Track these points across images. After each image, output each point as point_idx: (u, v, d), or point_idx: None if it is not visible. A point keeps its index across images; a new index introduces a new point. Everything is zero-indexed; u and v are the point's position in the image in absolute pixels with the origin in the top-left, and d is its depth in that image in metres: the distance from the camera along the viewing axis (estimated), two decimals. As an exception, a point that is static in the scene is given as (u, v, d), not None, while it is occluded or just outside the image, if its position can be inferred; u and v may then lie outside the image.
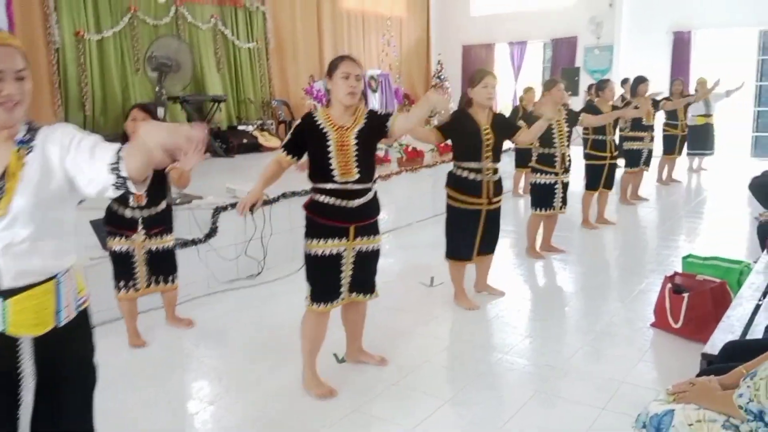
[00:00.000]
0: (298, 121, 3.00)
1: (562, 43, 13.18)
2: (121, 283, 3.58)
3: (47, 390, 1.62)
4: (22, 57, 1.55)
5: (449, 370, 3.35)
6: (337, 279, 2.97)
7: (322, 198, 2.89)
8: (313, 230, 2.92)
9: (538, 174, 5.23)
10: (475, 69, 4.49)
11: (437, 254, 5.58)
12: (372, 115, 2.97)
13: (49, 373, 1.62)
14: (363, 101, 5.18)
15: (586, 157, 6.58)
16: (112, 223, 3.56)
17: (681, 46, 12.01)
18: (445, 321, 4.09)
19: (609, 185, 6.57)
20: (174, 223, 3.80)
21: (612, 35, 12.55)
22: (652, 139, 7.68)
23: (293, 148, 2.94)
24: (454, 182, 4.12)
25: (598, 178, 6.46)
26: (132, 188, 1.49)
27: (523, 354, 3.51)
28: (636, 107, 6.89)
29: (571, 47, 13.09)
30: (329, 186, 2.86)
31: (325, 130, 2.86)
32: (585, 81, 12.36)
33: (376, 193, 3.03)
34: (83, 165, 1.53)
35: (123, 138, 3.38)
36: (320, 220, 2.89)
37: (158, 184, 3.51)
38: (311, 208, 2.94)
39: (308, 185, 2.99)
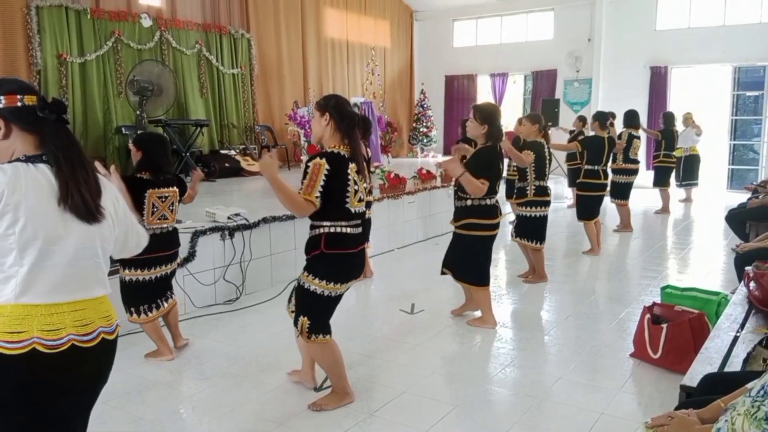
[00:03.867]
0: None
1: (543, 75, 13.42)
2: (144, 306, 3.75)
3: None
4: None
5: (429, 399, 3.30)
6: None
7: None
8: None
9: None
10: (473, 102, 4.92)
11: (419, 281, 5.58)
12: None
13: None
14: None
15: (580, 187, 6.91)
16: None
17: (658, 80, 12.30)
18: (425, 350, 4.04)
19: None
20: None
21: (591, 69, 12.82)
22: (618, 172, 7.94)
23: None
24: (483, 210, 4.33)
25: (595, 208, 6.76)
26: None
27: (503, 384, 3.48)
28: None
29: (551, 79, 13.33)
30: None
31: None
32: (564, 112, 12.58)
33: (312, 233, 3.00)
34: None
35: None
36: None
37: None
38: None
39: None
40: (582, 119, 9.62)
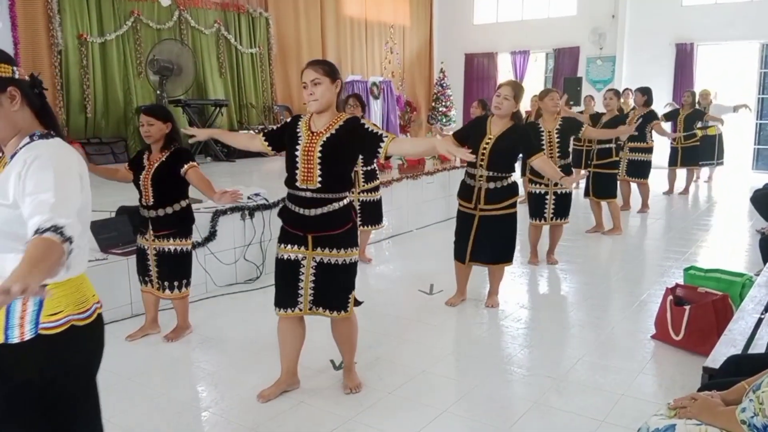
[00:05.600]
0: (288, 119, 3.04)
1: (565, 52, 13.19)
2: (140, 277, 3.77)
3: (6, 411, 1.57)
4: None
5: (447, 379, 3.32)
6: (294, 286, 2.89)
7: (287, 203, 2.90)
8: (280, 234, 2.95)
9: (531, 185, 5.38)
10: (497, 81, 4.75)
11: (438, 262, 5.57)
12: (354, 125, 2.80)
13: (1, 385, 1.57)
14: (359, 107, 5.20)
15: (589, 166, 6.83)
16: (136, 219, 3.79)
17: (684, 58, 12.03)
18: (444, 330, 4.05)
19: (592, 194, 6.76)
20: (191, 228, 3.76)
21: (614, 46, 12.57)
22: (636, 150, 7.70)
23: (271, 136, 3.00)
24: (460, 185, 4.26)
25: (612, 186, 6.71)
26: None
27: (522, 364, 3.47)
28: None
29: (573, 57, 13.10)
30: (292, 191, 2.86)
31: (299, 134, 2.83)
32: (587, 91, 12.38)
33: (344, 206, 2.84)
34: (23, 201, 1.48)
35: (141, 141, 3.60)
36: (283, 225, 2.93)
37: (168, 186, 3.53)
38: (280, 211, 2.97)
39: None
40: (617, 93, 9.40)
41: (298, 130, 2.85)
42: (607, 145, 6.60)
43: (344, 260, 2.88)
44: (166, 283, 3.66)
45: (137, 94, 8.93)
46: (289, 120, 2.98)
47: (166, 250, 3.61)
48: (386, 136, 2.77)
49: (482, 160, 4.01)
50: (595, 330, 3.96)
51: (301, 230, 2.84)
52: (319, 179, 2.75)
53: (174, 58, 8.68)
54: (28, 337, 1.55)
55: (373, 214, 5.29)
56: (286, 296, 2.93)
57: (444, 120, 13.83)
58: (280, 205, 3.02)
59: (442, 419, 2.86)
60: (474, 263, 4.30)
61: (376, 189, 5.27)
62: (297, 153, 2.79)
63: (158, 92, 8.62)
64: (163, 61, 8.52)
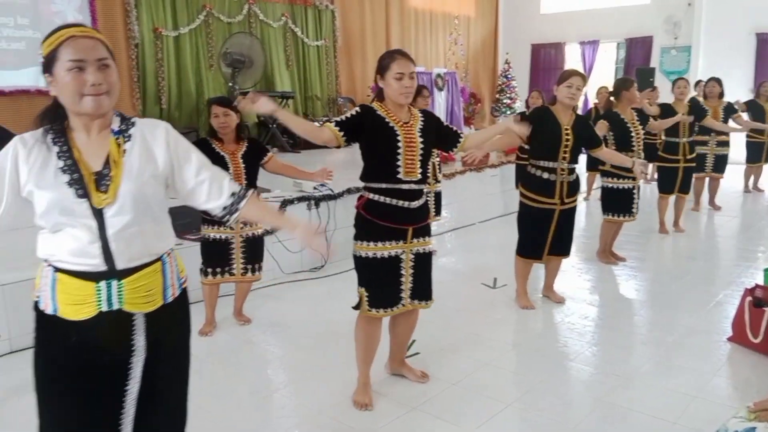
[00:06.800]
0: (356, 108, 2.77)
1: (637, 42, 12.73)
2: (210, 269, 3.70)
3: (155, 363, 1.72)
4: (105, 47, 1.61)
5: (512, 373, 3.29)
6: (397, 283, 2.82)
7: (382, 198, 2.73)
8: (368, 232, 2.76)
9: (614, 179, 5.03)
10: (564, 69, 4.55)
11: (501, 255, 5.52)
12: (434, 118, 2.89)
13: (157, 346, 1.73)
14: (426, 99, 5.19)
15: (659, 159, 6.37)
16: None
17: (765, 48, 11.38)
18: (508, 324, 4.02)
19: (685, 190, 6.32)
20: None
21: (690, 35, 12.02)
22: (722, 144, 7.29)
23: (347, 129, 2.68)
24: (527, 181, 4.04)
25: (670, 182, 6.22)
26: (232, 219, 1.77)
27: (589, 362, 3.41)
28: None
29: (646, 47, 12.62)
30: (392, 186, 2.72)
31: (392, 125, 2.71)
32: (660, 82, 11.91)
33: (424, 198, 2.91)
34: (186, 178, 1.73)
35: (210, 131, 3.63)
36: (380, 222, 2.73)
37: (252, 175, 3.66)
38: (369, 209, 2.75)
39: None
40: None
41: (387, 121, 2.71)
42: (675, 140, 6.28)
43: (431, 248, 2.93)
44: (249, 267, 3.77)
45: (208, 86, 9.21)
46: (358, 110, 2.74)
47: (251, 235, 3.74)
48: (462, 134, 2.96)
49: (565, 152, 3.88)
50: (667, 330, 3.84)
51: (405, 224, 2.76)
52: (420, 170, 2.76)
53: (245, 50, 8.90)
54: (177, 293, 1.78)
55: (436, 205, 5.30)
56: (387, 295, 2.82)
57: (508, 112, 13.61)
58: (359, 202, 2.81)
59: (507, 413, 2.85)
60: (550, 258, 4.20)
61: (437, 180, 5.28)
62: (399, 145, 2.69)
63: (230, 84, 8.86)
64: (235, 54, 8.75)
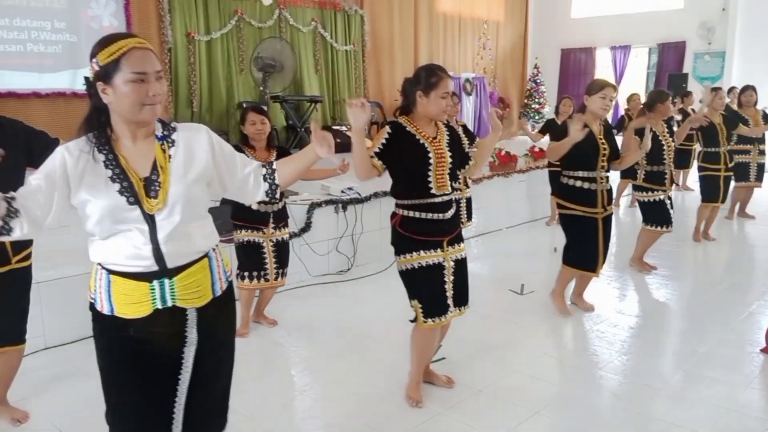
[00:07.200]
0: (387, 130, 2.74)
1: (670, 47, 12.53)
2: (247, 273, 3.73)
3: (205, 354, 1.80)
4: (158, 59, 1.69)
5: (540, 381, 3.26)
6: (443, 290, 2.82)
7: (417, 214, 2.74)
8: (407, 245, 2.77)
9: (646, 192, 4.98)
10: (594, 78, 4.51)
11: (528, 262, 5.48)
12: (452, 132, 2.89)
13: (207, 338, 1.79)
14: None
15: (700, 169, 6.30)
16: (243, 217, 3.66)
17: (803, 53, 11.11)
18: (536, 331, 3.98)
19: (723, 199, 6.23)
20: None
21: (724, 41, 11.80)
22: (762, 153, 7.12)
23: (385, 159, 2.69)
24: (567, 192, 3.97)
25: (715, 190, 6.14)
26: (276, 197, 1.84)
27: (618, 371, 3.36)
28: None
29: (678, 52, 12.42)
30: (425, 201, 2.73)
31: (422, 143, 2.72)
32: (693, 89, 11.70)
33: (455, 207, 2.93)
34: (235, 175, 1.81)
35: (242, 138, 3.62)
36: (417, 237, 2.75)
37: None
38: (405, 225, 2.77)
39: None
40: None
41: (417, 138, 2.73)
42: (716, 149, 6.15)
43: (466, 253, 2.95)
44: (280, 271, 3.81)
45: (239, 90, 9.33)
46: (390, 132, 2.72)
47: (281, 240, 3.78)
48: (472, 159, 2.99)
49: (603, 161, 3.88)
50: (698, 340, 3.77)
51: (441, 235, 2.78)
52: (449, 183, 2.79)
53: (277, 55, 9.00)
54: (224, 287, 1.85)
55: (467, 210, 5.29)
56: (439, 304, 2.82)
57: (537, 117, 13.52)
58: (396, 220, 2.80)
59: (533, 421, 2.83)
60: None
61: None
62: (430, 162, 2.71)
63: (261, 88, 8.96)
64: (266, 58, 8.85)
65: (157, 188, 1.66)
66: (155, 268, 1.68)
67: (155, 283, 1.69)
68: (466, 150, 3.06)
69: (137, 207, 1.64)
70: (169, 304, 1.71)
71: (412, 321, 2.90)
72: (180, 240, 1.69)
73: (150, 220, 1.65)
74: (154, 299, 1.69)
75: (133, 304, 1.69)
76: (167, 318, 1.72)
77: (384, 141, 2.70)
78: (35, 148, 2.50)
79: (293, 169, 1.89)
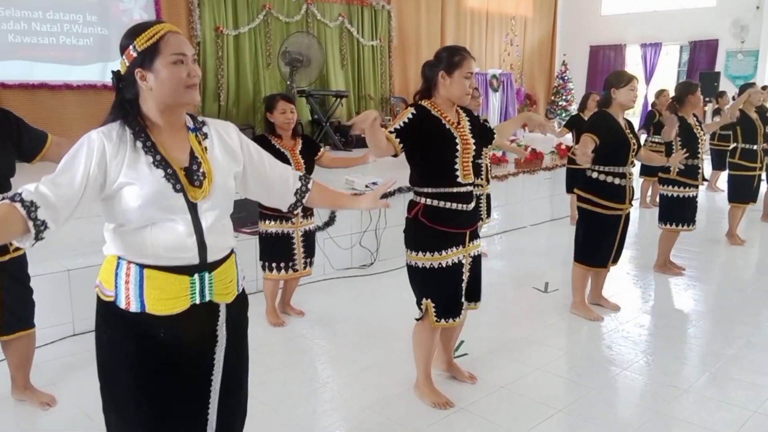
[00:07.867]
0: (411, 111, 2.60)
1: (701, 46, 12.30)
2: (275, 264, 3.75)
3: (230, 352, 1.78)
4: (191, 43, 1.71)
5: (562, 379, 3.24)
6: (460, 290, 2.76)
7: (442, 203, 2.63)
8: (427, 241, 2.66)
9: (678, 187, 4.81)
10: (614, 71, 4.46)
11: (551, 259, 5.43)
12: (471, 115, 2.79)
13: (233, 336, 1.78)
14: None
15: (734, 167, 6.15)
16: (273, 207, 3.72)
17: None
18: (560, 329, 3.95)
19: (754, 198, 6.12)
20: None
21: (758, 39, 11.54)
22: None
23: (405, 137, 2.53)
24: (597, 188, 3.89)
25: (748, 190, 6.04)
26: (296, 212, 1.73)
27: (643, 372, 3.32)
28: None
29: (710, 51, 12.19)
30: (452, 189, 2.64)
31: (448, 128, 2.61)
32: (725, 87, 11.46)
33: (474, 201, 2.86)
34: (264, 174, 1.80)
35: (267, 127, 3.65)
36: (442, 228, 2.65)
37: (310, 168, 3.72)
38: (429, 215, 2.64)
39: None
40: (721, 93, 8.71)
41: (443, 123, 2.62)
42: (753, 146, 6.01)
43: (481, 249, 2.92)
44: (308, 260, 3.84)
45: (265, 84, 9.41)
46: (414, 112, 2.59)
47: (308, 230, 3.80)
48: (493, 130, 3.06)
49: (633, 156, 3.85)
50: (725, 342, 3.70)
51: (464, 227, 2.71)
52: (473, 171, 2.72)
53: (304, 49, 9.05)
54: (243, 284, 1.84)
55: (487, 207, 5.25)
56: (454, 304, 2.76)
57: (563, 114, 13.37)
58: (416, 209, 2.68)
59: (556, 419, 2.81)
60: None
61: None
62: (458, 148, 2.62)
63: (288, 83, 9.02)
64: (294, 53, 8.91)
65: (201, 178, 1.62)
66: (196, 261, 1.62)
67: (195, 276, 1.63)
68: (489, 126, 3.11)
69: (182, 195, 1.59)
70: (207, 299, 1.66)
71: (418, 319, 2.84)
72: (219, 233, 1.67)
73: (193, 209, 1.61)
74: (193, 293, 1.63)
75: (169, 299, 1.61)
76: (201, 314, 1.66)
77: (406, 120, 2.56)
78: (25, 137, 2.55)
79: (325, 200, 1.93)
